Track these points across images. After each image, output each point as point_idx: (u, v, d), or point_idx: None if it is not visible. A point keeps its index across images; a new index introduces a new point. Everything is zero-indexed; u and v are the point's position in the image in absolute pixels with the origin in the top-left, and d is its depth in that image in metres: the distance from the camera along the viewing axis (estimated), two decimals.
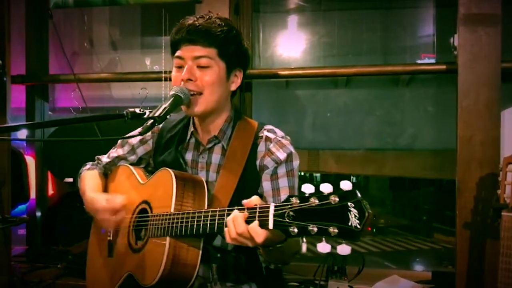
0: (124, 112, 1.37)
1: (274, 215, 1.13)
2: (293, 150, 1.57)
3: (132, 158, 1.80)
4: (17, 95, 2.77)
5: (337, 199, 1.03)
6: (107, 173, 1.83)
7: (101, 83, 3.13)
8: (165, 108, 1.39)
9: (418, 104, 2.98)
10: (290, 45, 3.12)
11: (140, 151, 1.78)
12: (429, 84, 2.90)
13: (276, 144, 1.56)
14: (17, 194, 2.63)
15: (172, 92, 1.47)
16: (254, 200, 1.23)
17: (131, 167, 1.75)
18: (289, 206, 1.10)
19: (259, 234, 1.17)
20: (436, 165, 2.97)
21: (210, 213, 1.31)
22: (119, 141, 1.82)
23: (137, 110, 1.39)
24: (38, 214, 2.89)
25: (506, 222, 1.65)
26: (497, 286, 1.67)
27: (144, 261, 1.46)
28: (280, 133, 1.62)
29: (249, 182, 1.55)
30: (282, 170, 1.54)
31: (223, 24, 1.54)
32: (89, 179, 1.75)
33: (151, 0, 2.40)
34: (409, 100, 2.99)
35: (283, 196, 1.52)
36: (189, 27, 1.51)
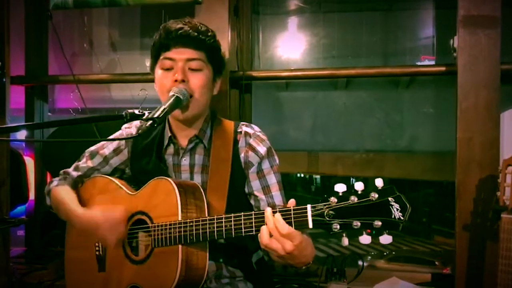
0: (123, 113, 1.37)
1: (313, 215, 1.19)
2: (269, 145, 1.62)
3: (105, 169, 1.75)
4: (16, 97, 2.77)
5: (376, 195, 1.14)
6: (77, 186, 1.76)
7: (100, 84, 3.13)
8: (164, 109, 1.39)
9: (418, 106, 2.99)
10: (289, 47, 3.12)
11: (115, 161, 1.74)
12: (428, 86, 2.91)
13: (256, 138, 1.60)
14: (16, 195, 2.63)
15: (171, 93, 1.47)
16: (289, 203, 1.27)
17: (111, 177, 1.69)
18: (327, 205, 1.18)
19: (295, 234, 1.21)
20: (436, 167, 2.97)
21: (233, 218, 1.31)
22: (87, 153, 1.77)
23: (136, 111, 1.38)
24: (37, 215, 2.89)
25: (505, 224, 1.65)
26: None
27: (154, 270, 1.45)
28: (256, 128, 1.66)
29: (238, 180, 1.58)
30: (266, 166, 1.58)
31: (209, 30, 1.58)
32: (65, 194, 1.67)
33: (151, 1, 2.39)
34: (408, 102, 3.00)
35: (275, 192, 1.56)
36: (180, 31, 1.52)
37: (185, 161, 1.62)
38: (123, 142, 1.70)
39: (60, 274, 2.44)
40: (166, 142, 1.64)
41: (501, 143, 2.07)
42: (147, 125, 1.35)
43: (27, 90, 2.85)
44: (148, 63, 3.25)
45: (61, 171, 1.79)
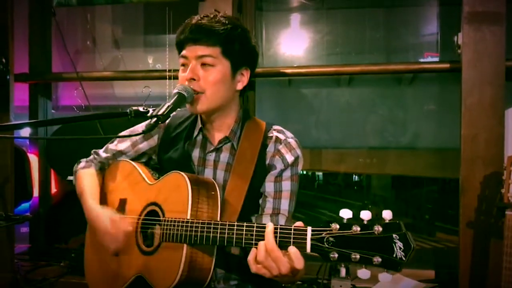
0: (128, 110, 1.36)
1: (312, 239, 1.14)
2: (300, 154, 1.58)
3: (133, 153, 1.75)
4: (20, 94, 2.77)
5: (380, 229, 1.07)
6: (104, 167, 1.78)
7: (104, 82, 3.13)
8: (168, 106, 1.38)
9: (421, 103, 2.98)
10: (293, 44, 3.12)
11: (144, 146, 1.74)
12: (432, 83, 2.90)
13: (286, 146, 1.57)
14: (20, 192, 2.64)
15: (175, 91, 1.47)
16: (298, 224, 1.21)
17: (134, 163, 1.70)
18: (328, 231, 1.12)
19: (297, 258, 1.15)
20: (439, 164, 2.96)
21: (236, 226, 1.29)
22: (118, 137, 1.78)
23: (141, 108, 1.38)
24: (41, 212, 2.90)
25: (510, 221, 1.65)
26: (500, 286, 1.67)
27: (158, 265, 1.45)
28: (289, 134, 1.62)
29: (259, 183, 1.56)
30: (287, 174, 1.56)
31: (227, 22, 1.52)
32: (87, 180, 1.70)
33: None
34: (412, 98, 2.99)
35: (284, 200, 1.54)
36: (192, 27, 1.50)
37: (211, 157, 1.61)
38: None
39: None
40: (196, 133, 1.64)
41: (506, 139, 2.06)
42: (151, 122, 1.35)
43: (31, 87, 2.86)
44: (151, 60, 3.27)
45: (92, 151, 1.80)
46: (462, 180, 2.06)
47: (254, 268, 1.22)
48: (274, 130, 1.62)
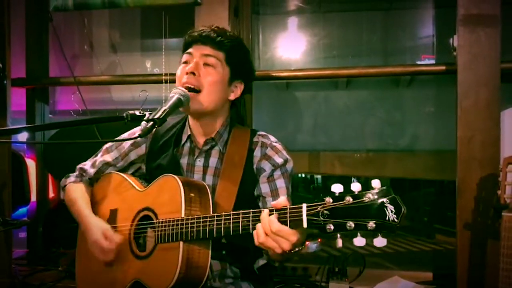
0: (124, 115, 1.38)
1: (308, 215, 1.19)
2: (288, 157, 1.64)
3: (121, 163, 1.76)
4: (17, 99, 2.77)
5: (371, 196, 1.12)
6: (93, 183, 1.79)
7: (101, 86, 3.14)
8: (165, 110, 1.40)
9: (419, 105, 2.99)
10: (290, 47, 3.12)
11: (132, 155, 1.75)
12: (429, 85, 2.91)
13: (272, 149, 1.63)
14: (17, 196, 2.63)
15: (172, 94, 1.49)
16: (282, 201, 1.28)
17: (122, 174, 1.72)
18: (322, 205, 1.17)
19: (291, 233, 1.22)
20: (437, 166, 2.96)
21: (232, 216, 1.33)
22: (105, 146, 1.79)
23: (137, 112, 1.39)
24: (39, 216, 2.89)
25: (506, 222, 1.65)
26: (498, 287, 1.67)
27: (155, 267, 1.46)
28: (273, 138, 1.69)
29: (248, 186, 1.60)
30: (278, 173, 1.61)
31: (235, 37, 1.66)
32: (78, 192, 1.73)
33: (151, 3, 2.40)
34: (409, 101, 3.00)
35: (282, 196, 1.55)
36: (202, 31, 1.61)
37: (199, 162, 1.65)
38: None
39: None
40: (184, 140, 1.67)
41: (502, 141, 2.07)
42: (148, 126, 1.36)
43: (28, 92, 2.85)
44: (148, 64, 3.27)
45: (78, 166, 1.81)
46: (458, 182, 2.06)
47: (257, 242, 1.28)
48: (259, 135, 1.68)
